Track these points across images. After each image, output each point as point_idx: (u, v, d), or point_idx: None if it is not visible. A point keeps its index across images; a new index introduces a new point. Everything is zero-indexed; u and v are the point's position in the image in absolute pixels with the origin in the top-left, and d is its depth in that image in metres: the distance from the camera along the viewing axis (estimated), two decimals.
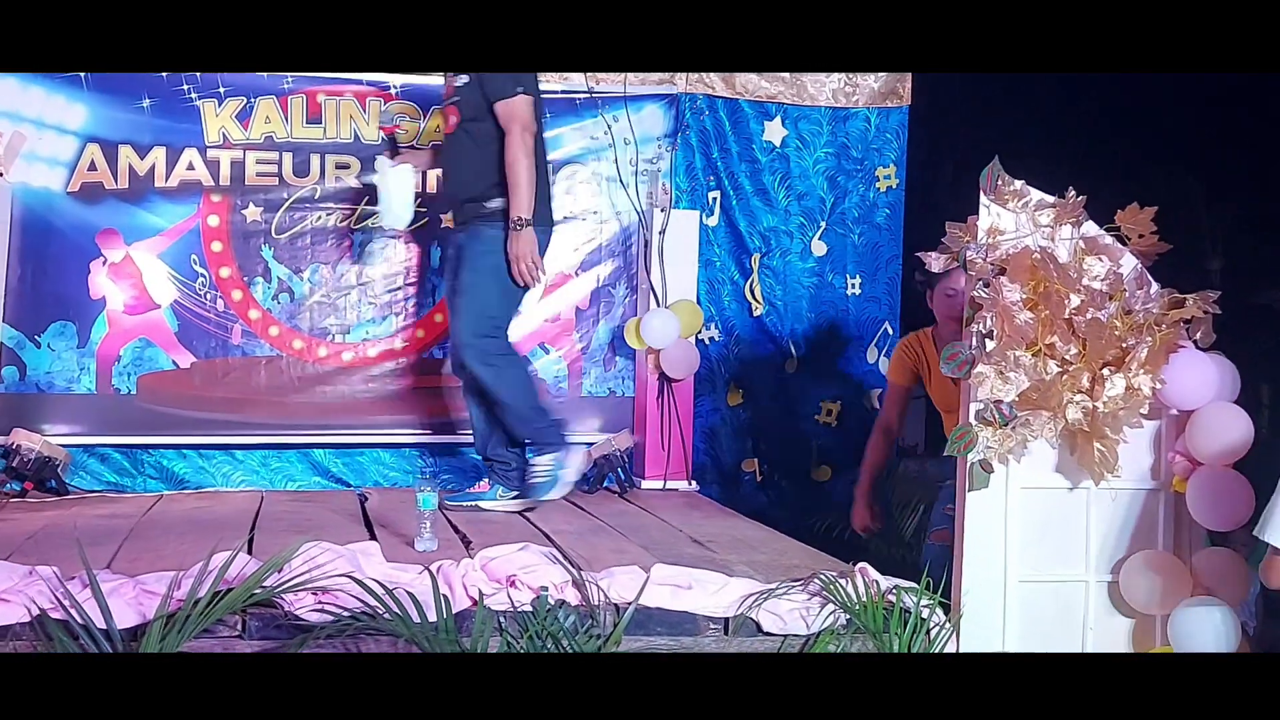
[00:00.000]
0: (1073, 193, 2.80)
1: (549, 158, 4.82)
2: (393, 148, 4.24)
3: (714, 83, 5.04)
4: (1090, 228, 2.82)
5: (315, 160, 4.62)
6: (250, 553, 2.84)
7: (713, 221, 5.06)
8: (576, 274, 4.91)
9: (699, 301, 4.85)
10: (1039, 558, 2.83)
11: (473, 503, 3.86)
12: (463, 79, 3.83)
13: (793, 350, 5.12)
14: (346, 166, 4.66)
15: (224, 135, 4.54)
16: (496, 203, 3.82)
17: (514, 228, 3.76)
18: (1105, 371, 2.71)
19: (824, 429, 5.13)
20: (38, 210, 4.37)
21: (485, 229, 3.85)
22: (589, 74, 4.82)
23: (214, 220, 4.54)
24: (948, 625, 2.73)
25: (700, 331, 4.88)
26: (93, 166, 4.42)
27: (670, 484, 4.65)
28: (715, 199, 5.08)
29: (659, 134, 4.93)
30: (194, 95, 4.49)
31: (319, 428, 4.63)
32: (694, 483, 4.74)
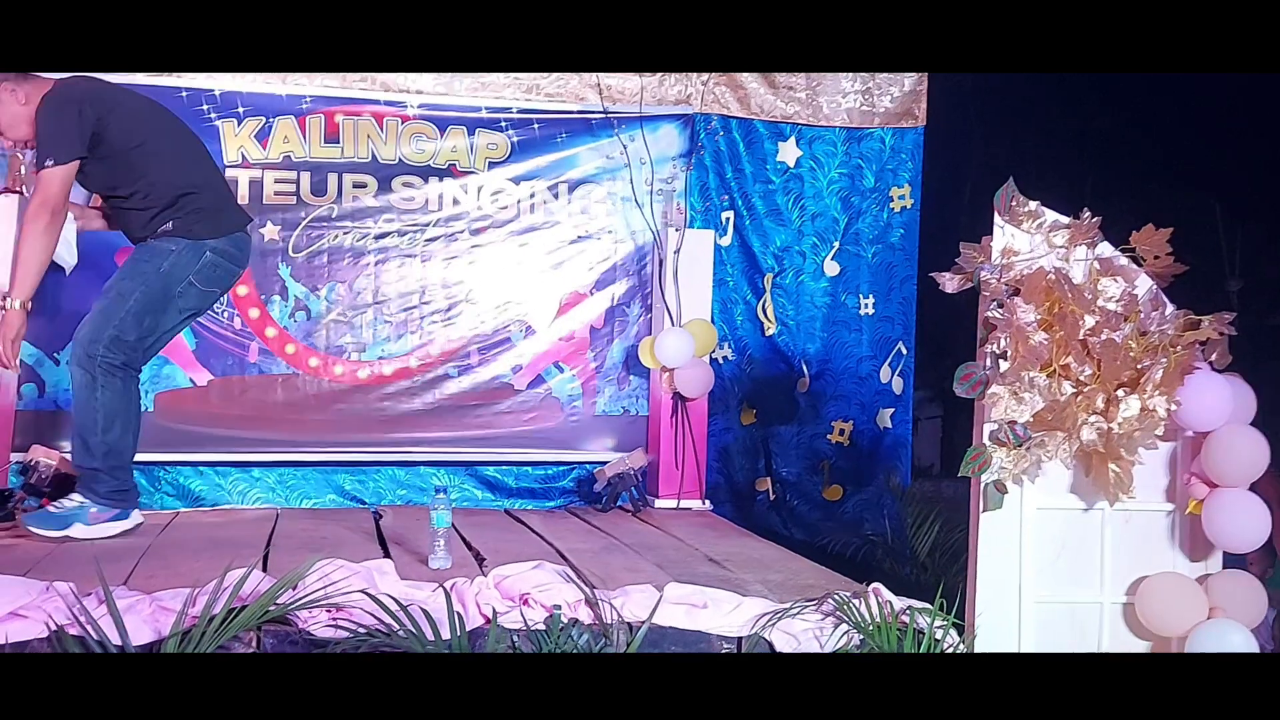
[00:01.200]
0: (1088, 214, 2.81)
1: (564, 177, 4.88)
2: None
3: (729, 103, 5.07)
4: (1105, 249, 2.82)
5: (333, 179, 4.67)
6: (265, 570, 2.85)
7: (726, 241, 5.08)
8: (591, 293, 4.93)
9: (712, 321, 4.86)
10: (1054, 579, 2.82)
11: (62, 531, 3.44)
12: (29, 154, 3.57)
13: (805, 370, 5.12)
14: (364, 185, 4.70)
15: (243, 154, 4.58)
16: (168, 226, 3.55)
17: (3, 305, 3.45)
18: (1120, 393, 2.70)
19: (836, 448, 5.13)
20: None
21: (154, 240, 3.57)
22: (604, 96, 4.86)
23: None
24: (962, 646, 2.72)
25: (714, 351, 4.89)
26: None
27: (684, 503, 4.65)
28: (729, 219, 5.10)
29: (674, 154, 4.97)
30: (213, 115, 4.54)
31: (334, 445, 4.65)
32: (707, 502, 4.73)
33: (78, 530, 3.48)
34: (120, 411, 3.54)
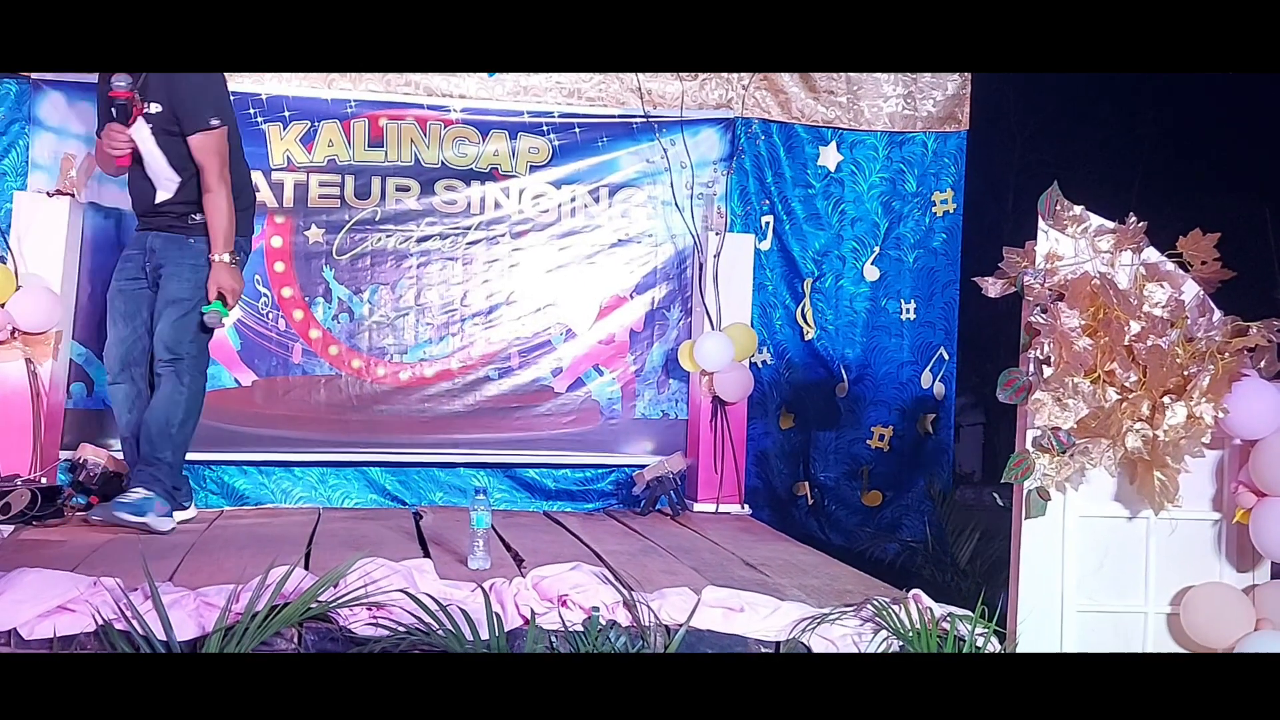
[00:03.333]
0: (1133, 218, 2.77)
1: (605, 181, 4.90)
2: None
3: (770, 107, 5.06)
4: (1151, 254, 2.79)
5: (376, 183, 4.72)
6: (307, 568, 2.88)
7: (766, 245, 5.07)
8: (631, 296, 4.94)
9: (752, 325, 4.85)
10: (1097, 588, 2.79)
11: (140, 519, 3.64)
12: (155, 106, 3.74)
13: (844, 375, 5.10)
14: (407, 189, 4.74)
15: (288, 158, 4.63)
16: (200, 218, 3.82)
17: (217, 260, 3.80)
18: (1166, 400, 2.67)
19: (876, 454, 5.10)
20: (108, 230, 4.49)
21: (191, 240, 3.84)
22: (645, 100, 4.87)
23: (277, 241, 4.63)
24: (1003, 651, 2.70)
25: (753, 355, 4.88)
26: None
27: (722, 507, 4.64)
28: (769, 223, 5.09)
29: (714, 158, 4.96)
30: (259, 119, 4.60)
31: (375, 446, 4.69)
32: (746, 506, 4.72)
33: (153, 521, 3.64)
34: (196, 407, 3.88)
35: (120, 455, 4.32)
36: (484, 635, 2.52)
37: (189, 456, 4.44)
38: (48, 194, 4.23)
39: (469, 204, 4.82)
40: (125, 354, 3.87)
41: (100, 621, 2.43)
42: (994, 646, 2.70)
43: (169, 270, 3.84)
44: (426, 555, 3.27)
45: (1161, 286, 2.74)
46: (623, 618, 2.65)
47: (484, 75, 4.81)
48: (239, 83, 4.54)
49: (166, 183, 3.83)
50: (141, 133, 3.78)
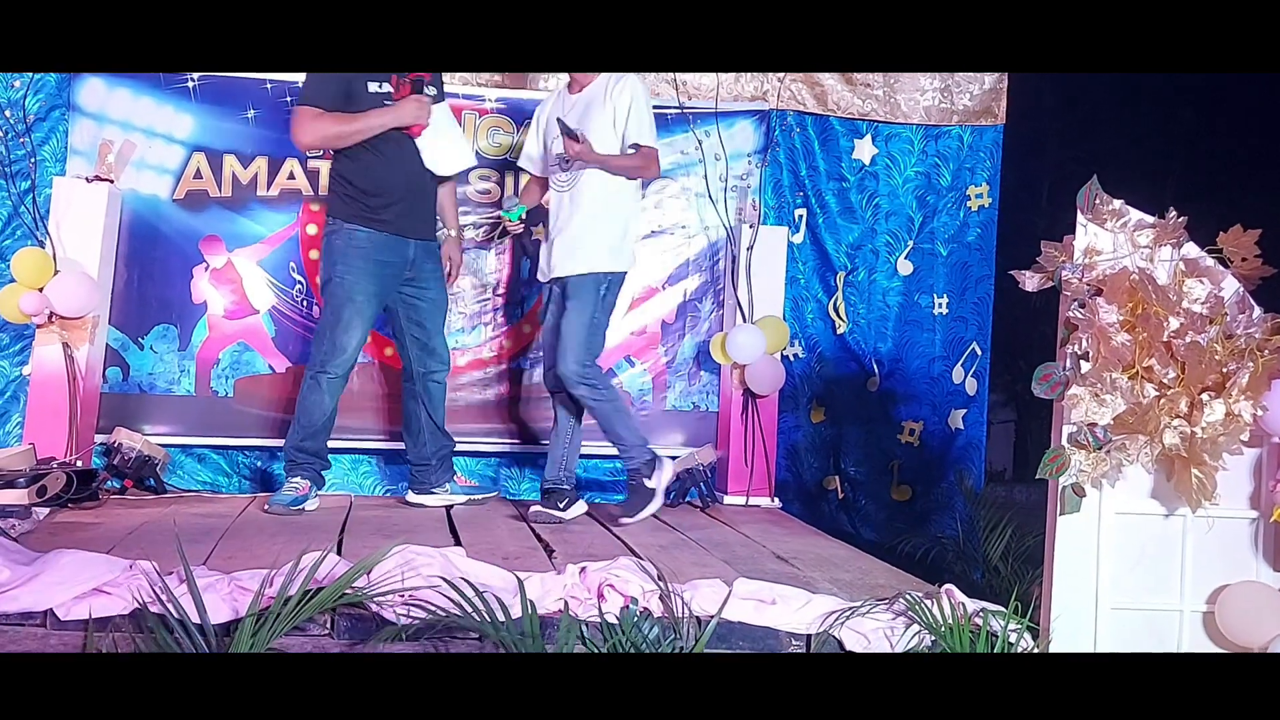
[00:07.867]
0: (1173, 213, 2.74)
1: None
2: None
3: (805, 99, 5.04)
4: (1191, 249, 2.75)
5: None
6: (340, 555, 2.89)
7: (798, 239, 5.05)
8: (663, 288, 4.94)
9: (784, 318, 4.83)
10: (1132, 585, 2.76)
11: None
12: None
13: (875, 369, 5.08)
14: None
15: None
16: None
17: (453, 235, 4.36)
18: (1205, 396, 2.64)
19: (905, 448, 5.08)
20: (145, 216, 4.53)
21: (435, 246, 4.23)
22: (680, 91, 4.85)
23: (312, 229, 4.66)
24: (1036, 652, 2.68)
25: (785, 348, 4.86)
26: (198, 175, 4.57)
27: (753, 500, 4.64)
28: (802, 216, 5.07)
29: (749, 150, 4.95)
30: None
31: None
32: (776, 499, 4.71)
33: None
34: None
35: (154, 440, 4.37)
36: (516, 616, 2.52)
37: (230, 442, 4.55)
38: (86, 180, 4.28)
39: (503, 193, 4.82)
40: (358, 354, 4.04)
41: (136, 604, 2.45)
42: (1027, 642, 2.68)
43: (429, 277, 4.13)
44: (458, 543, 3.28)
45: (1201, 282, 2.71)
46: (656, 608, 2.65)
47: None
48: (278, 75, 4.57)
49: (460, 160, 4.17)
50: (444, 109, 4.04)
